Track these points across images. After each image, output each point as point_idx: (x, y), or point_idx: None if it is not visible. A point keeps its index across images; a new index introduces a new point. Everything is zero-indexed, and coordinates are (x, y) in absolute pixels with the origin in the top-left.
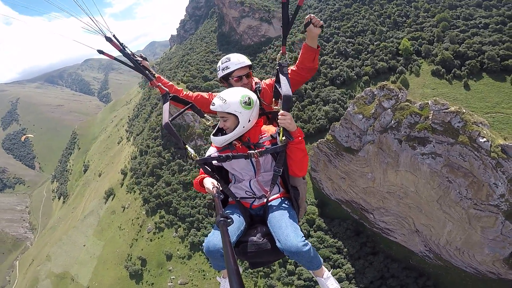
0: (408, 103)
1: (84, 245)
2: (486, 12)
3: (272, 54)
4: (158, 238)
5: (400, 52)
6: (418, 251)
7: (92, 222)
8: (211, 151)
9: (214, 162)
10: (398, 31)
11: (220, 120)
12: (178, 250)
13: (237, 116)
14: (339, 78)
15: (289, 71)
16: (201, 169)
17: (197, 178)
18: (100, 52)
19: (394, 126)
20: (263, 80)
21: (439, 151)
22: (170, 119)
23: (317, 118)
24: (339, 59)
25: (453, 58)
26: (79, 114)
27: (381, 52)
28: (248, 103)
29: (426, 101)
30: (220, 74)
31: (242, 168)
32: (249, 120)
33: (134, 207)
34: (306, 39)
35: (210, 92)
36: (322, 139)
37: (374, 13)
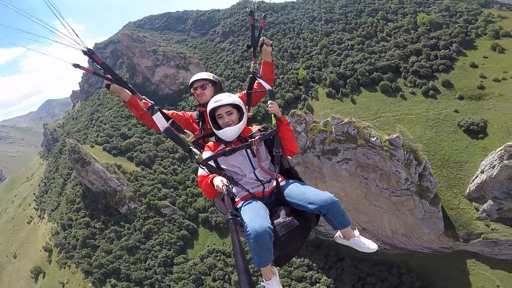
0: (315, 124)
1: None
2: (350, 35)
3: (194, 101)
4: None
5: (300, 81)
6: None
7: None
8: (207, 155)
9: (210, 162)
10: (295, 63)
11: (221, 118)
12: None
13: (240, 108)
14: (259, 114)
15: (257, 85)
16: (199, 173)
17: (205, 179)
18: (76, 66)
19: (310, 145)
20: (238, 92)
21: (348, 156)
22: (168, 125)
23: None
24: None
25: (337, 79)
26: None
27: (286, 84)
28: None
29: (326, 119)
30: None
31: (240, 163)
32: (246, 116)
33: (75, 281)
34: (262, 56)
35: (182, 111)
36: None
37: (274, 48)
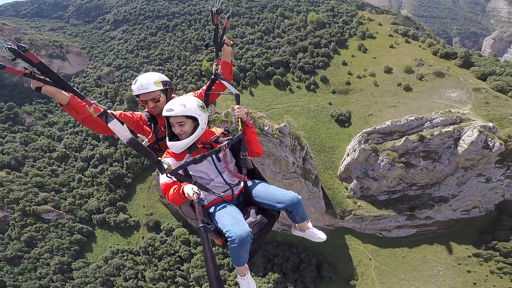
0: (217, 114)
1: None
2: (252, 29)
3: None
4: None
5: (203, 73)
6: (276, 228)
7: None
8: (168, 161)
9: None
10: (198, 54)
11: (174, 126)
12: None
13: (195, 119)
14: None
15: (214, 86)
16: (162, 181)
17: (172, 187)
18: (2, 67)
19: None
20: (195, 91)
21: None
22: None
23: None
24: None
25: (238, 72)
26: None
27: (189, 75)
28: (203, 107)
29: (227, 110)
30: (135, 92)
31: (206, 168)
32: (205, 123)
33: None
34: (222, 56)
35: (130, 111)
36: None
37: (177, 39)
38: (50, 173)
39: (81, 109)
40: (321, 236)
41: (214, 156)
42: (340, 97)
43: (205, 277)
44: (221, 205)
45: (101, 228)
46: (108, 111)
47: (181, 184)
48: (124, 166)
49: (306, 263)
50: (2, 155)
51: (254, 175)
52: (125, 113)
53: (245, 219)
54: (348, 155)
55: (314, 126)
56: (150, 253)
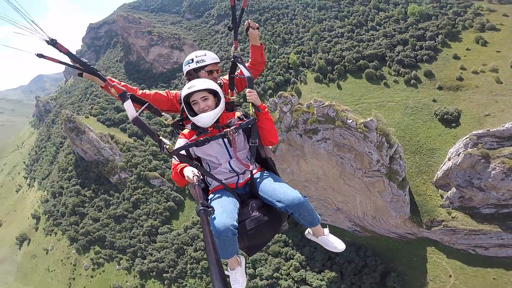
0: (300, 105)
1: None
2: (341, 23)
3: (187, 81)
4: (100, 273)
5: (290, 65)
6: (346, 227)
7: (9, 269)
8: (181, 143)
9: (191, 151)
10: (287, 47)
11: (197, 103)
12: (127, 281)
13: (217, 94)
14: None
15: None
16: (173, 161)
17: (175, 168)
18: (40, 56)
19: (294, 124)
20: (222, 77)
21: (327, 136)
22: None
23: None
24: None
25: (326, 65)
26: None
27: (278, 68)
28: (220, 85)
29: (310, 102)
30: (193, 66)
31: (217, 152)
32: (224, 102)
33: (60, 247)
34: (250, 40)
35: (166, 90)
36: None
37: (268, 32)
38: None
39: (115, 89)
40: (338, 246)
41: (226, 140)
42: (448, 94)
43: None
44: (219, 193)
45: (190, 199)
46: (127, 93)
47: (183, 165)
48: None
49: (370, 269)
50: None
51: (267, 166)
52: (160, 92)
53: (245, 211)
54: (449, 160)
55: (411, 124)
56: None
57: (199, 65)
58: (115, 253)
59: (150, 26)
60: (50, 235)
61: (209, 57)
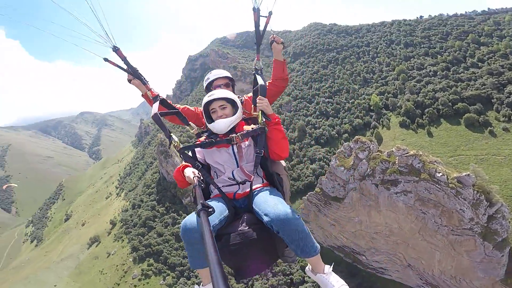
0: (379, 153)
1: (55, 286)
2: (433, 60)
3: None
4: (143, 284)
5: (371, 107)
6: (415, 285)
7: (70, 265)
8: (197, 148)
9: (198, 156)
10: (368, 88)
11: (216, 111)
12: None
13: (235, 103)
14: (323, 137)
15: (267, 84)
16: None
17: (179, 167)
18: (106, 60)
19: (370, 173)
20: (245, 95)
21: (408, 189)
22: (159, 112)
23: (305, 175)
24: (321, 119)
25: (414, 108)
26: (67, 168)
27: (356, 110)
28: (241, 101)
29: (391, 149)
30: (205, 84)
31: (224, 160)
32: (241, 112)
33: (121, 254)
34: (273, 55)
35: (195, 106)
36: (311, 192)
37: (346, 72)
38: None
39: (151, 92)
40: None
41: (235, 149)
42: None
43: None
44: (213, 200)
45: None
46: (160, 97)
47: (186, 164)
48: None
49: None
50: None
51: (273, 182)
52: (189, 107)
53: (235, 225)
54: None
55: None
56: None
57: (206, 83)
58: (165, 268)
59: (235, 62)
60: (118, 241)
61: (213, 74)
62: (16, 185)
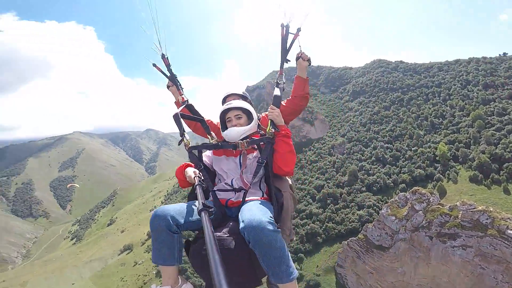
0: (440, 206)
1: (73, 284)
2: None
3: (311, 156)
4: None
5: (437, 158)
6: None
7: (96, 267)
8: (208, 153)
9: (205, 160)
10: (435, 135)
11: (232, 120)
12: None
13: (250, 114)
14: (376, 185)
15: (285, 101)
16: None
17: (182, 165)
18: (154, 65)
19: (425, 225)
20: (264, 112)
21: (469, 244)
22: (180, 112)
23: (350, 220)
24: (376, 166)
25: (490, 161)
26: (124, 177)
27: (419, 159)
28: (258, 118)
29: (455, 203)
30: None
31: (229, 168)
32: (256, 123)
33: (147, 265)
34: (297, 71)
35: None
36: (353, 237)
37: (412, 115)
38: None
39: (181, 98)
40: None
41: (242, 159)
42: None
43: None
44: (195, 201)
45: None
46: (189, 102)
47: (188, 163)
48: None
49: None
50: None
51: (271, 198)
52: (213, 121)
53: (217, 231)
54: None
55: None
56: None
57: (221, 98)
58: None
59: (288, 97)
60: (149, 252)
61: (229, 90)
62: (78, 186)
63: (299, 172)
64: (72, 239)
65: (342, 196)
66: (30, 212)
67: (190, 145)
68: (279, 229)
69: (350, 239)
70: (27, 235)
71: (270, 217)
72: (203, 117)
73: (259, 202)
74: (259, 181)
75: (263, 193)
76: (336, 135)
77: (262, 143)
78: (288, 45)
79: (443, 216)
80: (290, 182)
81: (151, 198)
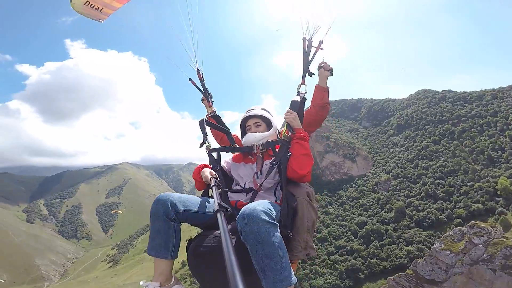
0: (504, 239)
1: None
2: None
3: (353, 193)
4: None
5: (498, 192)
6: None
7: (110, 273)
8: (228, 160)
9: (223, 165)
10: (494, 169)
11: (251, 128)
12: None
13: (270, 122)
14: (427, 220)
15: (304, 112)
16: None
17: (199, 166)
18: (190, 80)
19: (486, 258)
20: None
21: None
22: (206, 118)
23: (397, 256)
24: (427, 202)
25: None
26: None
27: (476, 193)
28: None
29: None
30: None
31: (245, 174)
32: (276, 132)
33: None
34: (318, 81)
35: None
36: (400, 273)
37: (465, 149)
38: None
39: (211, 108)
40: None
41: (257, 163)
42: None
43: None
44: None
45: None
46: (217, 113)
47: (205, 165)
48: None
49: None
50: None
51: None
52: (238, 136)
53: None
54: None
55: None
56: None
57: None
58: None
59: (328, 131)
60: (182, 281)
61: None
62: (121, 212)
63: (339, 209)
64: (109, 262)
65: (388, 232)
66: (74, 234)
67: (210, 148)
68: (277, 223)
69: (397, 274)
70: (68, 255)
71: (269, 209)
72: (228, 129)
73: (264, 200)
74: (275, 187)
75: (277, 199)
76: (380, 172)
77: (278, 145)
78: (310, 57)
79: (507, 248)
80: (309, 190)
81: (187, 229)
